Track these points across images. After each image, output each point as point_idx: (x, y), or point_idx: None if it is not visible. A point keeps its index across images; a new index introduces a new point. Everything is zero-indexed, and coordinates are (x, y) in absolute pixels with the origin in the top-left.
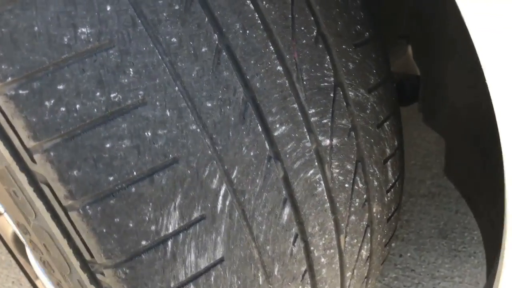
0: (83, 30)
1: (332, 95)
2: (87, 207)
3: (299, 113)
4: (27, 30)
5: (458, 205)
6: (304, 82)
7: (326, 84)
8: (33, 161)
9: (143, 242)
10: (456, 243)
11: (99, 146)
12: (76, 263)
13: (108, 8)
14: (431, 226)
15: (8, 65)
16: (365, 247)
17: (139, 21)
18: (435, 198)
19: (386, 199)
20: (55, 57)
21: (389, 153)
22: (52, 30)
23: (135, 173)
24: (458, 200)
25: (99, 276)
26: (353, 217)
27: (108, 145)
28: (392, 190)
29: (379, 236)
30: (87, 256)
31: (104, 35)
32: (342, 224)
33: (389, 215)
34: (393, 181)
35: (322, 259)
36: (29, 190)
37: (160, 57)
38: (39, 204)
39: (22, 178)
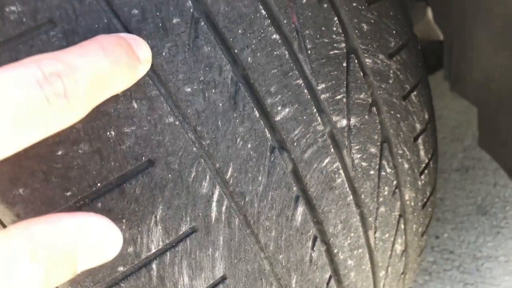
0: (12, 8)
1: (345, 64)
2: None
3: (305, 90)
4: None
5: (496, 177)
6: (309, 52)
7: (336, 51)
8: None
9: (120, 268)
10: (497, 219)
11: (48, 154)
12: None
13: None
14: (468, 203)
15: None
16: (399, 240)
17: None
18: (469, 172)
19: (419, 183)
20: None
21: (419, 129)
22: None
23: (99, 184)
24: (496, 172)
25: None
26: (382, 209)
27: (60, 152)
28: (426, 171)
29: (414, 226)
30: None
31: (41, 12)
32: (370, 218)
33: (424, 200)
34: (427, 160)
35: (349, 262)
36: None
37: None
38: None
39: None
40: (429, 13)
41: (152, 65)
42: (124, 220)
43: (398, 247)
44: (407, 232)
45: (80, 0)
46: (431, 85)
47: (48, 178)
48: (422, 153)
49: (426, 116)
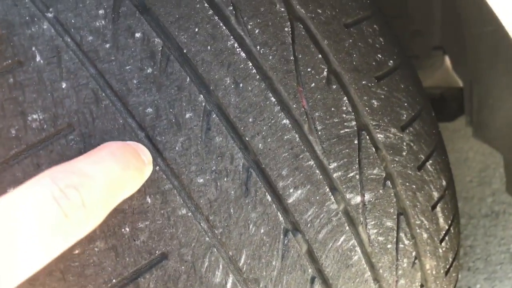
0: (34, 116)
1: (356, 141)
2: None
3: (317, 171)
4: None
5: None
6: (319, 133)
7: (347, 130)
8: None
9: None
10: None
11: (65, 254)
12: None
13: (64, 86)
14: (500, 250)
15: None
16: None
17: (103, 94)
18: (499, 218)
19: (440, 251)
20: (2, 155)
21: (437, 197)
22: None
23: (114, 280)
24: None
25: None
26: (402, 281)
27: (77, 251)
28: (446, 238)
29: None
30: None
31: (60, 118)
32: None
33: (447, 267)
34: (447, 227)
35: None
36: None
37: (133, 132)
38: None
39: None
40: (447, 60)
41: (165, 159)
42: None
43: None
44: None
45: (97, 104)
46: (455, 127)
47: (65, 277)
48: (441, 220)
49: (444, 183)
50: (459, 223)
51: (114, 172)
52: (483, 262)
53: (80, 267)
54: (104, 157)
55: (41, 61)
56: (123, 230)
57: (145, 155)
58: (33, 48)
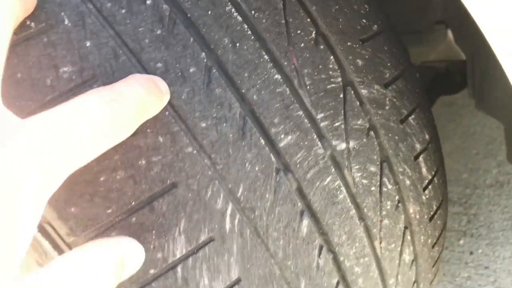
0: (65, 69)
1: (341, 96)
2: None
3: (305, 120)
4: (11, 78)
5: None
6: (308, 87)
7: (333, 85)
8: None
9: (151, 271)
10: None
11: (93, 180)
12: None
13: (88, 44)
14: (503, 218)
15: None
16: (407, 250)
17: (121, 51)
18: (504, 187)
19: (424, 198)
20: (39, 100)
21: (420, 149)
22: (34, 74)
23: (133, 203)
24: None
25: None
26: (386, 221)
27: (102, 179)
28: (430, 187)
29: (422, 237)
30: None
31: (86, 71)
32: (374, 230)
33: (431, 213)
34: (430, 177)
35: (356, 269)
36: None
37: None
38: (45, 244)
39: None
40: (450, 34)
41: (173, 106)
42: (153, 231)
43: (407, 257)
44: (415, 243)
45: (116, 59)
46: (463, 102)
47: (93, 199)
48: (424, 170)
49: (427, 137)
50: (445, 176)
51: (141, 95)
52: (485, 229)
53: (105, 191)
54: (133, 83)
55: (69, 24)
56: (139, 162)
57: (163, 86)
58: (62, 13)
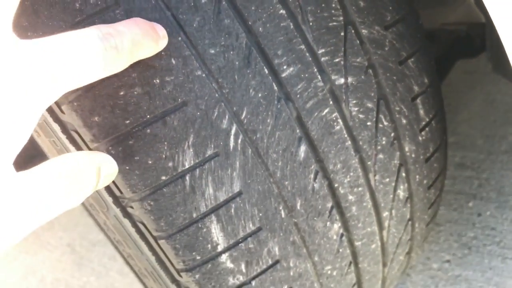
0: None
1: (342, 34)
2: (110, 148)
3: (307, 54)
4: (45, 1)
5: None
6: (311, 23)
7: (335, 23)
8: (62, 112)
9: (163, 177)
10: None
11: (114, 94)
12: (109, 200)
13: None
14: None
15: (32, 32)
16: (401, 187)
17: None
18: None
19: (420, 138)
20: (69, 21)
21: (417, 91)
22: None
23: (148, 116)
24: None
25: (129, 210)
26: (381, 156)
27: (122, 93)
28: (427, 129)
29: (417, 176)
30: (117, 192)
31: None
32: (369, 162)
33: (428, 155)
34: (427, 119)
35: (350, 197)
36: (63, 138)
37: (162, 11)
38: (72, 149)
39: (57, 127)
40: None
41: (186, 32)
42: (165, 143)
43: (401, 193)
44: (410, 181)
45: None
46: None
47: (114, 111)
48: (421, 112)
49: (426, 81)
50: (444, 121)
51: (136, 34)
52: (496, 193)
53: (123, 104)
54: (131, 24)
55: None
56: (154, 81)
57: (161, 30)
58: None
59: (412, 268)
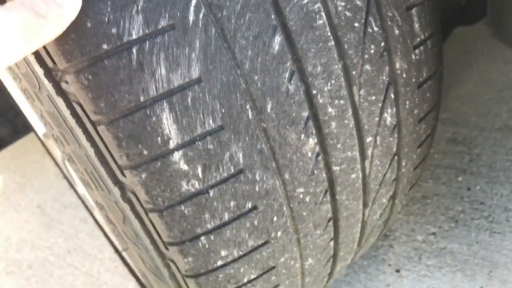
0: None
1: None
2: None
3: None
4: None
5: None
6: None
7: None
8: None
9: (104, 46)
10: None
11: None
12: (40, 72)
13: None
14: (506, 159)
15: None
16: (389, 111)
17: None
18: None
19: (413, 57)
20: None
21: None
22: None
23: None
24: None
25: (63, 86)
26: (368, 67)
27: None
28: (421, 48)
29: (407, 102)
30: (49, 62)
31: None
32: (354, 72)
33: (420, 80)
34: (422, 37)
35: (329, 109)
36: None
37: None
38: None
39: None
40: None
41: None
42: (109, 2)
43: (388, 118)
44: (399, 106)
45: None
46: (483, 50)
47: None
48: (416, 26)
49: None
50: (440, 47)
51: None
52: (486, 168)
53: None
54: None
55: None
56: None
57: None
58: None
59: (395, 239)
